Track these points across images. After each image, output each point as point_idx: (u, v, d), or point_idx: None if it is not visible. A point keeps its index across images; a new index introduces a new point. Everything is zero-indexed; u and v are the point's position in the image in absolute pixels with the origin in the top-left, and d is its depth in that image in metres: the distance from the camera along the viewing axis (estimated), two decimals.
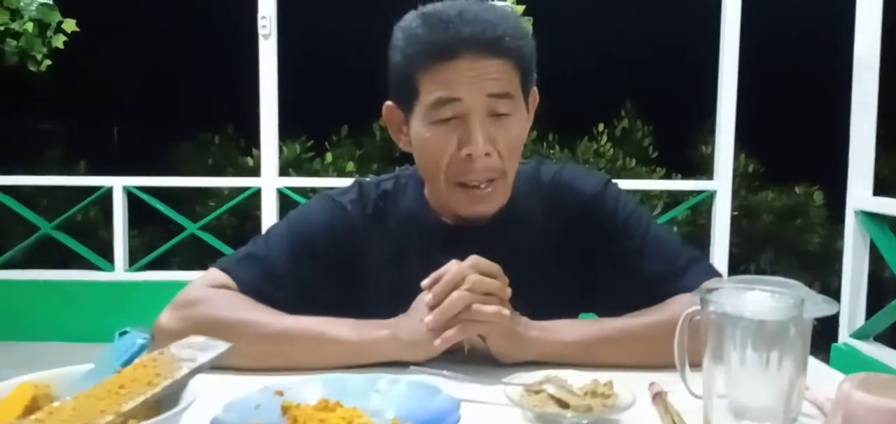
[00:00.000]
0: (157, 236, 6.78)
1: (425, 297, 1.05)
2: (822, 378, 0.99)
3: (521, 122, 1.14)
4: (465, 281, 1.02)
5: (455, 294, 1.02)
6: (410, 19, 1.13)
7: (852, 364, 3.49)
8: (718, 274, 1.18)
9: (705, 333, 0.80)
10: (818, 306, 0.82)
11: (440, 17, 1.09)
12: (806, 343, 0.82)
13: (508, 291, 1.06)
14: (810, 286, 0.85)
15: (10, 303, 4.98)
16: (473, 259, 1.05)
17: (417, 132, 1.13)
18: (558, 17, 5.30)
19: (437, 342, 1.02)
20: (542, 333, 1.08)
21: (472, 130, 1.09)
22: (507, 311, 1.04)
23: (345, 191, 1.26)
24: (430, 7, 1.12)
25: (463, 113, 1.09)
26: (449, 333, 1.02)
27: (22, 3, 4.29)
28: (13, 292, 5.02)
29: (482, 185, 1.13)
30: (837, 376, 0.99)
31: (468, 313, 1.02)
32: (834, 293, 4.01)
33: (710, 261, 1.25)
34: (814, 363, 1.11)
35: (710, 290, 0.81)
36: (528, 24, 3.99)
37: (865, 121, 3.61)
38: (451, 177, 1.13)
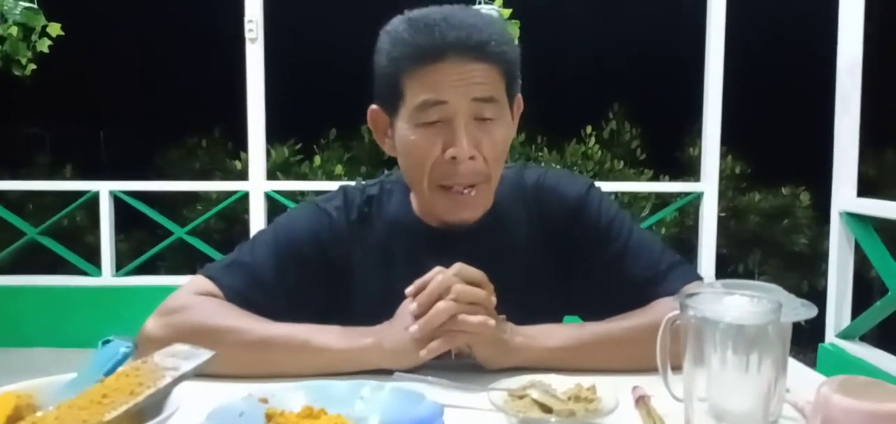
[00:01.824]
0: (144, 240, 6.76)
1: (409, 305, 1.05)
2: (804, 381, 1.00)
3: (505, 128, 1.15)
4: (451, 291, 1.02)
5: (440, 304, 1.02)
6: (396, 23, 1.13)
7: (839, 364, 3.52)
8: (700, 278, 1.19)
9: (685, 337, 0.81)
10: (796, 310, 0.83)
11: (426, 21, 1.09)
12: (785, 346, 0.83)
13: (494, 300, 1.06)
14: (798, 286, 0.86)
15: None
16: (458, 267, 1.05)
17: (402, 135, 1.13)
18: (547, 21, 5.33)
19: (423, 353, 1.02)
20: (527, 339, 1.09)
21: (457, 133, 1.09)
22: (492, 321, 1.04)
23: (330, 197, 1.26)
24: (415, 12, 1.12)
25: (448, 116, 1.09)
26: (434, 344, 1.02)
27: (6, 8, 4.25)
28: None
29: (466, 190, 1.13)
30: (819, 378, 1.01)
31: (453, 323, 1.02)
32: (821, 293, 4.05)
33: (692, 265, 1.26)
34: (795, 365, 1.12)
35: (689, 295, 0.82)
36: (515, 27, 4.01)
37: (849, 124, 3.64)
38: (434, 180, 1.13)
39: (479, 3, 4.14)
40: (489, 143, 1.12)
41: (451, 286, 1.03)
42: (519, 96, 1.20)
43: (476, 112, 1.10)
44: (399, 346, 1.04)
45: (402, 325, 1.04)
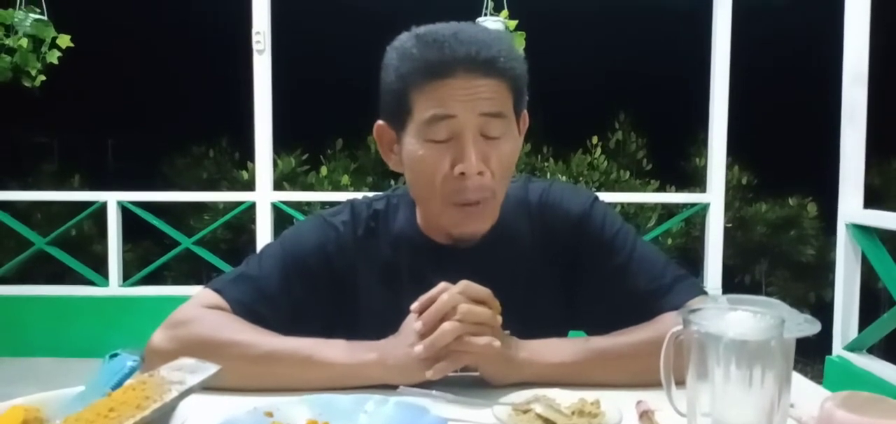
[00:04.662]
0: (151, 250, 6.79)
1: (414, 322, 1.05)
2: (808, 396, 1.00)
3: (513, 143, 1.15)
4: (456, 311, 1.02)
5: (446, 325, 1.01)
6: (404, 39, 1.13)
7: (846, 376, 3.50)
8: (704, 292, 1.19)
9: (689, 352, 0.81)
10: (800, 326, 0.83)
11: (435, 37, 1.09)
12: (788, 361, 0.83)
13: (499, 318, 1.05)
14: (805, 296, 0.86)
15: (3, 319, 4.97)
16: (464, 284, 1.05)
17: (410, 150, 1.13)
18: (552, 32, 5.33)
19: (429, 373, 1.02)
20: (531, 354, 1.09)
21: (466, 148, 1.09)
22: (498, 342, 1.03)
23: (337, 211, 1.27)
24: (423, 28, 1.12)
25: (457, 131, 1.09)
26: (440, 365, 1.02)
27: (16, 19, 4.28)
28: (7, 308, 5.00)
29: (473, 203, 1.13)
30: (823, 393, 1.01)
31: (459, 344, 1.02)
32: (828, 304, 4.03)
33: (697, 278, 1.26)
34: (800, 380, 1.12)
35: (693, 310, 0.83)
36: (520, 39, 4.02)
37: (855, 135, 3.63)
38: (443, 195, 1.13)
39: (485, 13, 4.15)
40: (497, 159, 1.12)
41: (457, 305, 1.02)
42: (525, 112, 1.20)
43: (484, 127, 1.10)
44: (402, 363, 1.04)
45: (407, 342, 1.04)
